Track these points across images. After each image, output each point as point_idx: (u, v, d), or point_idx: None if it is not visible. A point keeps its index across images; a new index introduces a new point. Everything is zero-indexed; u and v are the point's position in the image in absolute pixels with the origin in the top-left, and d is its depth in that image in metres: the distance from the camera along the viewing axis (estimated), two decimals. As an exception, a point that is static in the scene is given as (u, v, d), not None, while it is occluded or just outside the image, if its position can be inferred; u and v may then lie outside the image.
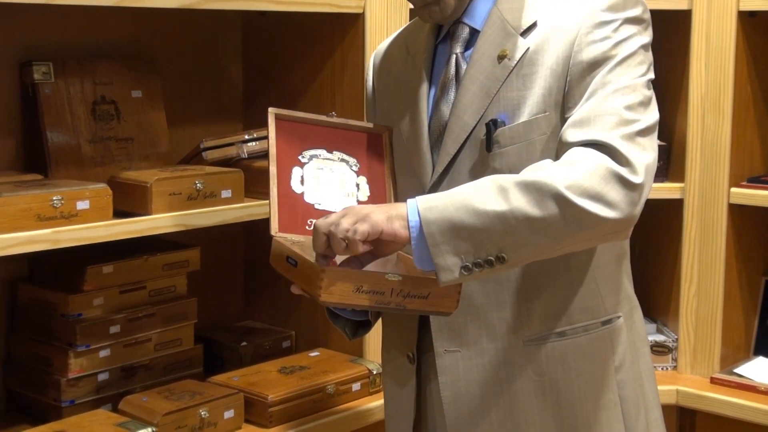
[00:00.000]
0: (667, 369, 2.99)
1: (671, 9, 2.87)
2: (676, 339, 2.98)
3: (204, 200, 2.37)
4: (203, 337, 2.76)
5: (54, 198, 2.11)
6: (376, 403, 2.60)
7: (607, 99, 1.74)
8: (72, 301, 2.43)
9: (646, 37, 1.84)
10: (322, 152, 1.98)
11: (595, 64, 1.77)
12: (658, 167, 2.86)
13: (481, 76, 1.85)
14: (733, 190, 2.85)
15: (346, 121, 2.04)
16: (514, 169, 1.75)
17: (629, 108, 1.74)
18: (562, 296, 1.88)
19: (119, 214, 2.24)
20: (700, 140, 2.88)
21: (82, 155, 2.48)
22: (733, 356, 2.96)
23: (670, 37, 2.91)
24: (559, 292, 1.88)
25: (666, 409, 2.79)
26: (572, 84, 1.79)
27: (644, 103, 1.77)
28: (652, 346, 2.93)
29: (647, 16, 1.85)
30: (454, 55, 1.90)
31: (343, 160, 1.99)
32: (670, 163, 3.00)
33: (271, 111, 1.95)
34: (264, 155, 2.48)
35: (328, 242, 1.67)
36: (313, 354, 2.78)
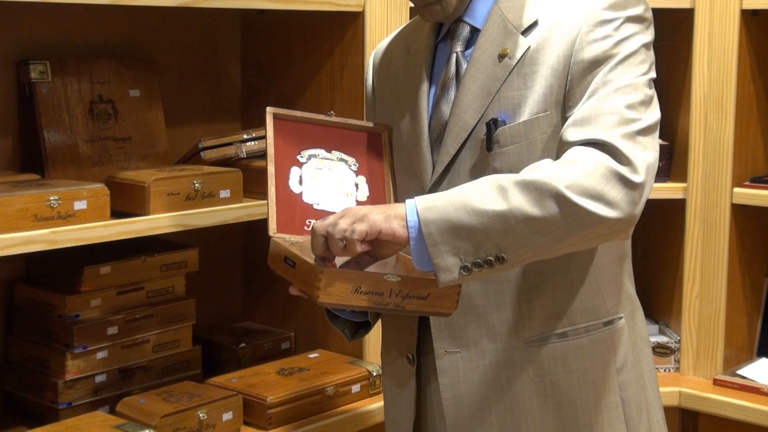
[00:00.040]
0: (669, 370, 2.99)
1: (673, 7, 2.87)
2: (679, 340, 2.98)
3: (202, 200, 2.37)
4: (202, 339, 2.76)
5: (51, 198, 2.11)
6: (376, 405, 2.60)
7: (607, 98, 1.74)
8: (69, 302, 2.42)
9: (648, 35, 1.84)
10: (321, 152, 1.98)
11: (596, 63, 1.78)
12: (660, 167, 2.87)
13: (481, 75, 1.85)
14: (736, 190, 2.85)
15: (345, 120, 2.04)
16: (515, 169, 1.76)
17: (630, 107, 1.74)
18: (563, 297, 1.88)
19: (117, 214, 2.24)
20: (702, 140, 2.88)
21: (80, 155, 2.48)
22: (736, 357, 2.96)
23: (672, 36, 2.91)
24: (560, 293, 1.88)
25: (668, 411, 2.79)
26: (573, 83, 1.79)
27: (645, 102, 1.77)
28: (654, 348, 2.94)
29: (649, 14, 1.85)
30: (455, 54, 1.91)
31: (342, 159, 1.99)
32: (672, 163, 3.00)
33: (269, 110, 1.96)
34: (263, 155, 2.48)
35: (326, 244, 1.67)
36: (312, 355, 2.78)
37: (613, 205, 1.66)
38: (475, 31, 1.90)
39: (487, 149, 1.83)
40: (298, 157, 1.96)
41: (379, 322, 2.07)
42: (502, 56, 1.85)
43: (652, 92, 1.81)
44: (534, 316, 1.88)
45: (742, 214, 2.88)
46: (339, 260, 1.72)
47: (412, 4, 1.94)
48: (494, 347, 1.89)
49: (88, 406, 2.45)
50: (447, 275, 1.67)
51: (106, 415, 2.39)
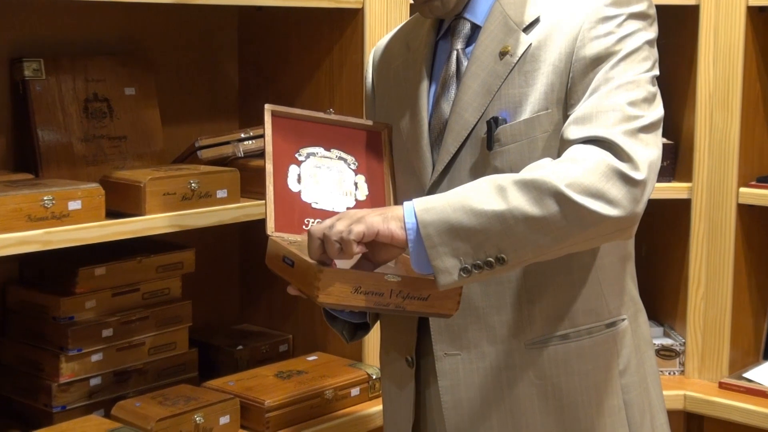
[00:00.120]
0: (674, 373, 2.99)
1: (678, 4, 2.87)
2: (684, 343, 2.98)
3: (199, 200, 2.37)
4: (198, 341, 2.76)
5: (45, 198, 2.11)
6: (375, 408, 2.61)
7: (609, 95, 1.75)
8: (63, 304, 2.43)
9: (651, 32, 1.84)
10: (320, 150, 1.99)
11: (598, 60, 1.78)
12: (664, 167, 2.91)
13: (482, 72, 1.86)
14: (742, 190, 2.85)
15: (344, 118, 2.04)
16: (516, 168, 1.76)
17: (632, 104, 1.74)
18: (564, 298, 1.88)
19: (112, 214, 2.24)
20: (707, 139, 2.88)
21: (74, 154, 2.49)
22: (742, 360, 2.97)
23: (677, 33, 2.92)
24: (561, 294, 1.88)
25: (673, 414, 2.80)
26: (575, 80, 1.79)
27: (648, 100, 1.77)
28: (658, 350, 2.94)
29: (652, 11, 1.86)
30: (455, 52, 1.91)
31: (341, 158, 2.00)
32: (677, 163, 3.01)
33: (268, 108, 1.96)
34: (261, 154, 2.48)
35: (322, 247, 1.67)
36: (311, 358, 2.78)
37: (614, 204, 1.66)
38: (475, 28, 1.91)
39: (488, 148, 1.83)
40: (297, 155, 1.97)
41: (378, 323, 2.08)
42: (503, 54, 1.85)
43: (655, 89, 1.81)
44: (535, 318, 1.88)
45: (748, 214, 2.89)
46: (339, 264, 1.73)
47: (412, 1, 1.95)
48: (494, 349, 1.89)
49: (82, 410, 2.45)
50: (446, 277, 1.67)
51: (101, 418, 2.39)
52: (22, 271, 2.58)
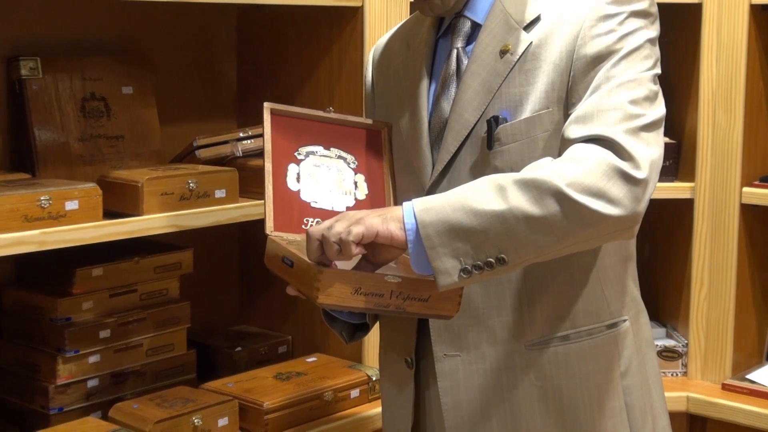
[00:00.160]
0: (676, 375, 3.00)
1: (681, 2, 2.88)
2: (686, 344, 2.98)
3: (197, 200, 2.38)
4: (196, 342, 2.76)
5: (42, 198, 2.11)
6: (375, 410, 2.61)
7: (611, 93, 1.75)
8: (60, 305, 2.43)
9: (653, 31, 1.84)
10: (319, 149, 1.99)
11: (599, 59, 1.78)
12: (667, 166, 2.91)
13: (482, 71, 1.86)
14: (746, 189, 2.85)
15: (343, 116, 2.05)
16: (516, 168, 1.76)
17: (634, 102, 1.74)
18: (565, 299, 1.88)
19: (109, 214, 2.25)
20: (710, 138, 2.88)
21: (71, 154, 2.49)
22: (745, 362, 2.97)
23: (679, 31, 2.92)
24: (562, 295, 1.88)
25: (676, 416, 2.81)
26: (576, 79, 1.79)
27: (650, 98, 1.77)
28: (661, 352, 2.95)
29: (654, 9, 1.86)
30: (455, 50, 1.91)
31: (340, 157, 2.00)
32: (679, 162, 3.01)
33: (267, 106, 1.96)
34: (260, 153, 2.49)
35: (321, 248, 1.67)
36: (310, 359, 2.79)
37: (615, 203, 1.66)
38: (476, 27, 1.91)
39: (488, 147, 1.83)
40: (296, 154, 1.97)
41: (377, 324, 2.08)
42: (503, 52, 1.85)
43: (657, 88, 1.81)
44: (535, 319, 1.88)
45: (751, 214, 2.89)
46: (339, 265, 1.73)
47: (411, -1, 1.95)
48: (494, 351, 1.89)
49: (79, 412, 2.45)
50: (446, 278, 1.67)
51: (99, 420, 2.40)
52: (19, 271, 2.58)
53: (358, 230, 1.65)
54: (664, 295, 3.10)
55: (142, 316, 2.56)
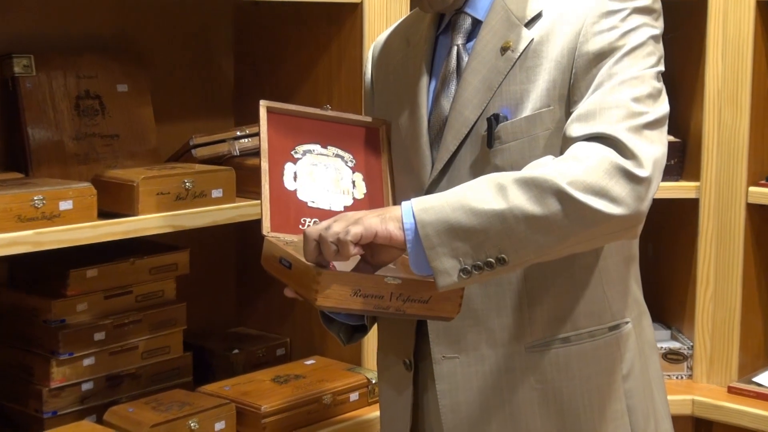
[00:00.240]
0: (682, 378, 3.00)
1: (686, -2, 2.88)
2: (692, 346, 2.99)
3: (193, 200, 2.38)
4: (193, 345, 2.77)
5: (35, 198, 2.11)
6: (375, 413, 2.60)
7: (613, 91, 1.75)
8: (54, 307, 2.43)
9: (657, 27, 1.84)
10: (316, 147, 1.99)
11: (602, 56, 1.78)
12: (672, 165, 2.92)
13: (483, 68, 1.86)
14: (752, 189, 2.86)
15: (341, 114, 2.05)
16: (516, 166, 1.76)
17: (637, 100, 1.74)
18: (566, 300, 1.89)
19: (104, 214, 2.25)
20: (716, 137, 2.89)
21: (65, 153, 2.49)
22: (751, 364, 2.97)
23: (684, 28, 2.92)
24: (563, 296, 1.88)
25: (681, 420, 2.81)
26: (578, 76, 1.80)
27: (653, 96, 1.77)
28: (666, 354, 2.95)
29: (658, 5, 1.86)
30: (456, 47, 1.91)
31: (338, 155, 2.00)
32: (685, 161, 3.01)
33: (263, 104, 1.96)
34: (257, 152, 2.48)
35: (318, 249, 1.67)
36: (308, 362, 2.79)
37: (617, 202, 1.66)
38: (477, 23, 1.91)
39: (488, 146, 1.84)
40: (293, 152, 1.97)
41: (375, 325, 2.08)
42: (504, 49, 1.86)
43: (660, 85, 1.81)
44: (536, 321, 1.88)
45: (757, 213, 2.89)
46: (337, 267, 1.73)
47: (411, -5, 1.96)
48: (494, 353, 1.89)
49: (74, 416, 2.45)
50: (446, 279, 1.67)
51: (93, 424, 2.40)
52: (12, 273, 2.58)
53: (356, 230, 1.65)
54: (669, 297, 3.10)
55: (138, 317, 2.56)
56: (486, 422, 1.91)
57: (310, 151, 1.98)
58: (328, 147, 2.00)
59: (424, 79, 1.95)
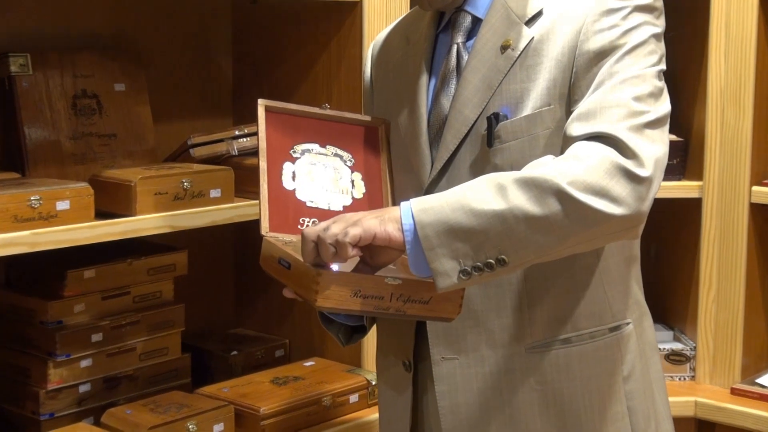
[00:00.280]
0: (684, 379, 3.00)
1: (689, -5, 2.89)
2: (694, 347, 2.99)
3: (192, 200, 2.38)
4: (191, 346, 2.77)
5: (32, 198, 2.11)
6: (374, 415, 2.60)
7: (614, 90, 1.75)
8: (51, 308, 2.43)
9: (658, 26, 1.84)
10: (315, 146, 1.99)
11: (603, 54, 1.78)
12: (674, 165, 2.92)
13: (483, 67, 1.86)
14: (755, 188, 2.86)
15: (340, 113, 2.05)
16: (516, 166, 1.76)
17: (638, 99, 1.74)
18: (566, 301, 1.89)
19: (101, 215, 2.25)
20: (719, 136, 2.89)
21: (62, 152, 2.49)
22: (755, 365, 2.97)
23: (687, 26, 2.92)
24: (563, 297, 1.89)
25: (684, 421, 2.81)
26: (578, 75, 1.80)
27: (654, 95, 1.77)
28: (668, 355, 2.95)
29: (659, 3, 1.86)
30: (455, 45, 1.92)
31: (336, 154, 2.00)
32: (687, 161, 3.01)
33: (261, 102, 1.96)
34: (255, 152, 2.47)
35: (316, 250, 1.67)
36: (308, 364, 2.79)
37: (618, 202, 1.66)
38: (477, 21, 1.91)
39: (488, 145, 1.84)
40: (291, 152, 1.97)
41: (375, 326, 2.08)
42: (504, 47, 1.86)
43: (662, 84, 1.81)
44: (536, 322, 1.88)
45: (760, 213, 2.89)
46: (335, 268, 1.73)
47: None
48: (494, 354, 1.90)
49: (71, 418, 2.46)
50: (445, 280, 1.67)
51: (91, 426, 2.40)
52: (9, 273, 2.58)
53: (355, 232, 1.65)
54: (672, 297, 3.10)
55: (136, 319, 2.56)
56: (486, 424, 1.91)
57: (308, 151, 1.98)
58: (327, 146, 2.00)
59: (424, 78, 1.95)
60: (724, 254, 2.91)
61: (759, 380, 2.91)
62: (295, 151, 1.97)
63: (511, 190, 1.66)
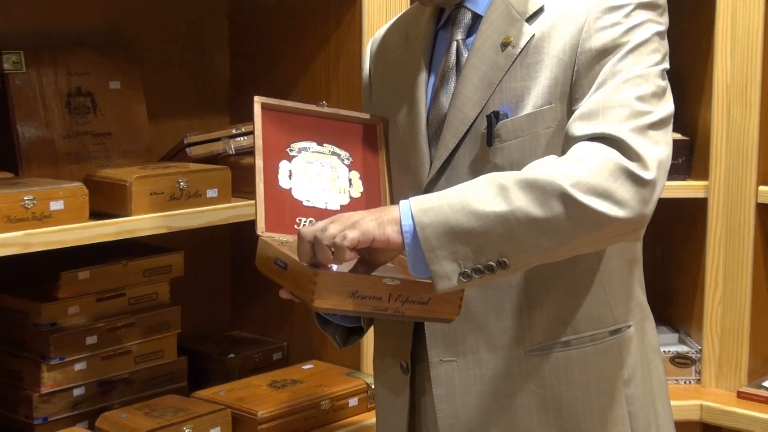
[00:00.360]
0: (690, 382, 3.00)
1: (694, -9, 2.89)
2: (700, 350, 2.99)
3: (188, 200, 2.38)
4: (187, 349, 2.77)
5: (25, 198, 2.12)
6: (374, 420, 2.60)
7: (617, 89, 1.75)
8: (45, 310, 2.44)
9: (661, 23, 1.84)
10: (312, 145, 2.00)
11: (605, 52, 1.78)
12: (680, 164, 2.92)
13: (482, 65, 1.87)
14: (762, 188, 2.85)
15: (338, 111, 2.05)
16: (517, 165, 1.77)
17: (641, 99, 1.75)
18: (566, 303, 1.89)
19: (96, 215, 2.25)
20: (725, 135, 2.88)
21: (56, 152, 2.50)
22: (761, 368, 2.97)
23: (692, 22, 2.92)
24: (563, 299, 1.89)
25: (689, 426, 2.81)
26: (580, 74, 1.80)
27: (658, 95, 1.77)
28: (673, 358, 2.95)
29: (663, 1, 1.86)
30: (455, 42, 1.92)
31: (334, 153, 2.00)
32: (693, 160, 3.01)
33: (257, 100, 1.96)
34: (253, 151, 2.48)
35: (312, 250, 1.67)
36: (306, 367, 2.79)
37: (622, 204, 1.67)
38: (477, 18, 1.91)
39: (488, 144, 1.84)
40: (288, 150, 1.97)
41: (372, 327, 2.09)
42: (504, 45, 1.86)
43: (665, 84, 1.81)
44: (535, 324, 1.89)
45: (767, 214, 2.90)
46: (333, 267, 1.74)
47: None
48: (493, 356, 1.90)
49: (65, 422, 2.46)
50: (445, 282, 1.67)
51: (85, 431, 2.40)
52: (1, 275, 2.57)
53: (353, 235, 1.65)
54: (677, 299, 3.10)
55: (131, 321, 2.57)
56: (484, 428, 1.91)
57: (305, 149, 1.98)
58: (324, 144, 2.00)
59: (423, 75, 1.95)
60: (731, 255, 2.90)
61: (766, 383, 2.91)
62: (291, 150, 1.97)
63: (513, 191, 1.66)
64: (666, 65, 1.83)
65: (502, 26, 1.87)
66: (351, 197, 1.98)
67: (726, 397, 2.92)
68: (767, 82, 2.84)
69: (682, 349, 3.02)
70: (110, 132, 2.60)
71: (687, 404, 2.86)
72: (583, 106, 1.77)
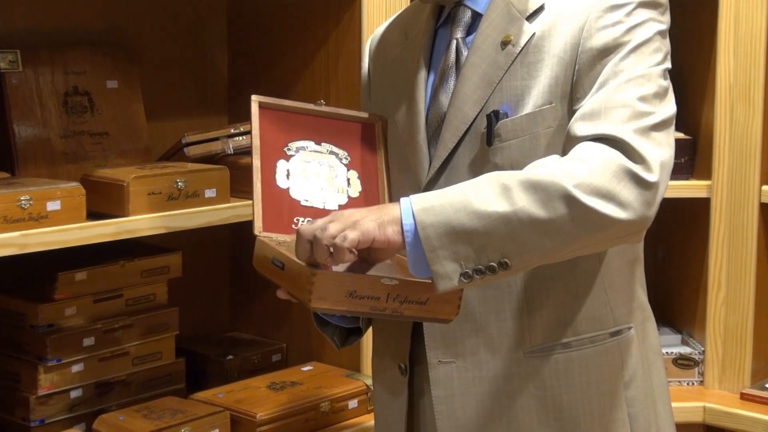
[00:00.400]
0: (693, 384, 3.00)
1: (697, -10, 2.89)
2: (703, 351, 2.99)
3: (186, 200, 2.38)
4: (185, 350, 2.77)
5: (22, 198, 2.12)
6: (374, 421, 2.62)
7: (619, 89, 1.75)
8: (42, 311, 2.44)
9: (663, 22, 1.84)
10: (310, 144, 2.00)
11: (606, 52, 1.78)
12: (682, 163, 2.92)
13: (482, 63, 1.87)
14: (765, 188, 2.85)
15: (336, 110, 2.05)
16: (517, 165, 1.77)
17: (643, 99, 1.74)
18: (567, 305, 1.89)
19: (93, 215, 2.25)
20: (728, 134, 2.88)
21: (53, 151, 2.50)
22: (765, 370, 2.97)
23: (695, 21, 2.92)
24: (564, 301, 1.89)
25: (692, 427, 2.81)
26: (581, 73, 1.80)
27: (660, 95, 1.77)
28: (676, 359, 2.95)
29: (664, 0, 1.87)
30: (455, 41, 1.92)
31: (332, 152, 2.00)
32: (695, 159, 3.01)
33: (255, 98, 1.96)
34: (251, 151, 2.49)
35: (311, 249, 1.66)
36: (305, 368, 2.79)
37: (625, 206, 1.67)
38: (477, 16, 1.91)
39: (488, 143, 1.84)
40: (286, 149, 1.97)
41: (370, 328, 2.09)
42: (504, 43, 1.86)
43: (667, 84, 1.81)
44: (535, 326, 1.88)
45: (771, 214, 2.90)
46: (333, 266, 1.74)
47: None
48: (492, 358, 1.90)
49: (62, 424, 2.46)
50: (446, 282, 1.67)
51: (82, 433, 2.41)
52: (-2, 276, 2.59)
53: (353, 236, 1.64)
54: (680, 300, 3.10)
55: (129, 322, 2.57)
56: (483, 430, 1.91)
57: (303, 148, 1.98)
58: (322, 144, 2.00)
59: (422, 74, 1.95)
60: (734, 255, 2.90)
61: (769, 385, 2.92)
62: (289, 149, 1.97)
63: (515, 191, 1.66)
64: (668, 65, 1.83)
65: (502, 25, 1.87)
66: (349, 197, 1.98)
67: (729, 398, 2.92)
68: (771, 81, 2.84)
69: (685, 350, 3.02)
70: (108, 131, 2.60)
71: (690, 406, 2.86)
72: (585, 106, 1.77)
